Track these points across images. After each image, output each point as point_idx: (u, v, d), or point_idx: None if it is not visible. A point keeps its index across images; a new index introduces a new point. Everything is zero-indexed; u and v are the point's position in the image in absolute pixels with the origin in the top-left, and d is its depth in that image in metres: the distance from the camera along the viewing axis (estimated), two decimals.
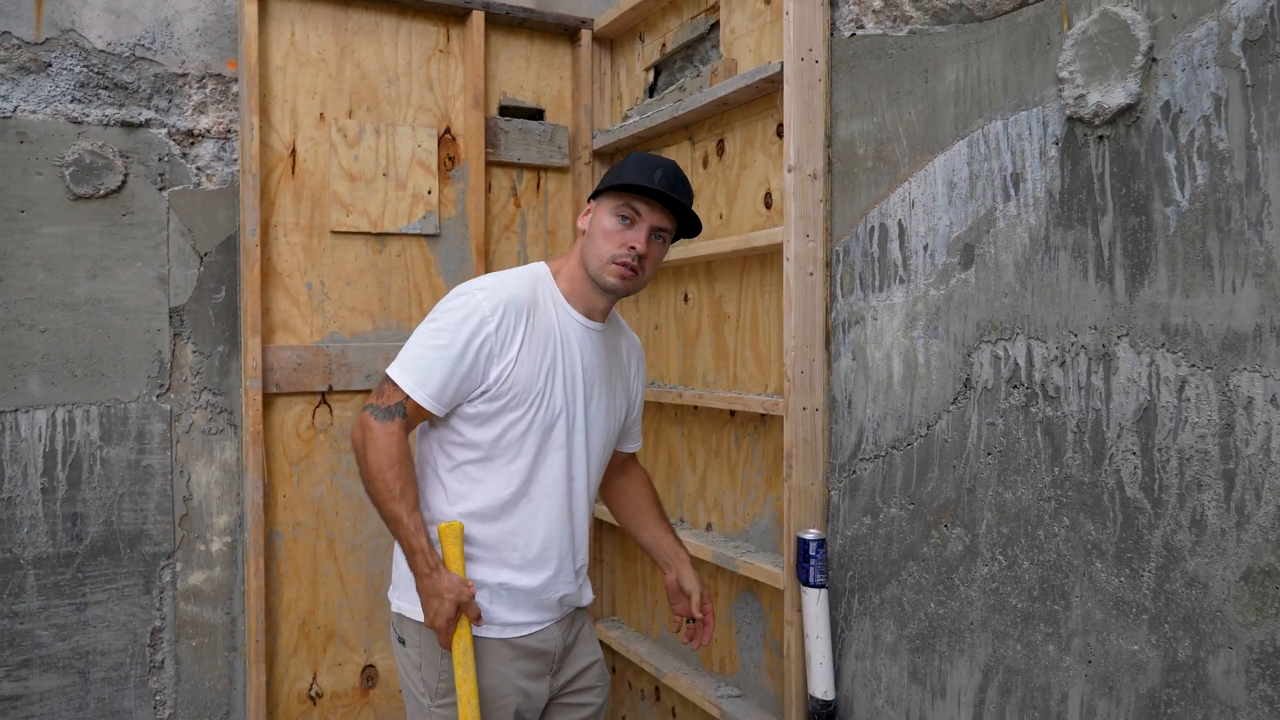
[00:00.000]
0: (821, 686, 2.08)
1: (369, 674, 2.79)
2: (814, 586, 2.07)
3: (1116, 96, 1.51)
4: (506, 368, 1.73)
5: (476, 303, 1.72)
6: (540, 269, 1.86)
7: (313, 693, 2.70)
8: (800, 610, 2.12)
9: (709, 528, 2.63)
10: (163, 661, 2.62)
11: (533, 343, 1.76)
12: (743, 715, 2.36)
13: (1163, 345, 1.48)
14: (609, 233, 1.76)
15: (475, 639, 1.76)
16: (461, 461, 1.79)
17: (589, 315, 1.86)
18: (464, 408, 1.76)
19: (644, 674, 2.92)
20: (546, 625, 1.85)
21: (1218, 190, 1.40)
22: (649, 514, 2.10)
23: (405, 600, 1.80)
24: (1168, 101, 1.46)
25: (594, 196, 1.83)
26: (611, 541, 3.11)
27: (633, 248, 1.74)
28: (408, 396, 1.70)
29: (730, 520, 2.54)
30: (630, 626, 3.04)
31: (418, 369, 1.70)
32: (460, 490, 1.79)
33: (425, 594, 1.70)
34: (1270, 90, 1.33)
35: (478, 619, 1.73)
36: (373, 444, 1.67)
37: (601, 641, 3.06)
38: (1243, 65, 1.37)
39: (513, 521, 1.80)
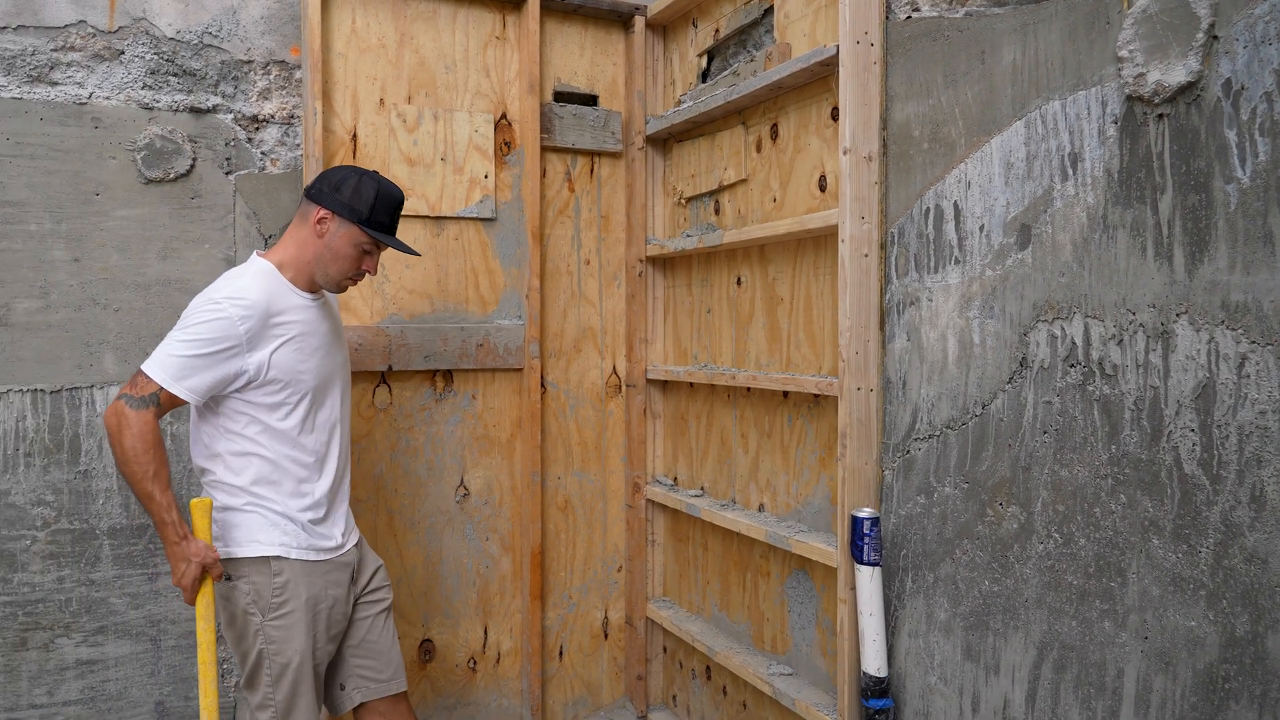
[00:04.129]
0: (875, 663, 2.11)
1: (426, 648, 2.87)
2: (868, 564, 2.10)
3: (1177, 75, 1.52)
4: (264, 360, 1.99)
5: (226, 313, 1.95)
6: (267, 268, 2.08)
7: None
8: (854, 588, 2.15)
9: (761, 508, 2.66)
10: None
11: (286, 332, 2.03)
12: (794, 692, 2.39)
13: (1222, 322, 1.48)
14: (349, 258, 2.10)
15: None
16: (253, 434, 2.05)
17: (312, 292, 2.13)
18: (248, 394, 2.01)
19: (696, 653, 2.96)
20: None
21: (1279, 167, 1.40)
22: None
23: (237, 547, 2.04)
24: (1229, 79, 1.46)
25: (335, 212, 2.07)
26: (662, 522, 3.15)
27: (366, 271, 2.16)
28: (162, 388, 1.92)
29: (783, 501, 2.57)
30: (681, 607, 3.08)
31: (179, 368, 1.93)
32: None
33: (175, 558, 1.94)
34: None
35: (219, 576, 1.98)
36: (129, 430, 1.89)
37: (653, 621, 3.11)
38: None
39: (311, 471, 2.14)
